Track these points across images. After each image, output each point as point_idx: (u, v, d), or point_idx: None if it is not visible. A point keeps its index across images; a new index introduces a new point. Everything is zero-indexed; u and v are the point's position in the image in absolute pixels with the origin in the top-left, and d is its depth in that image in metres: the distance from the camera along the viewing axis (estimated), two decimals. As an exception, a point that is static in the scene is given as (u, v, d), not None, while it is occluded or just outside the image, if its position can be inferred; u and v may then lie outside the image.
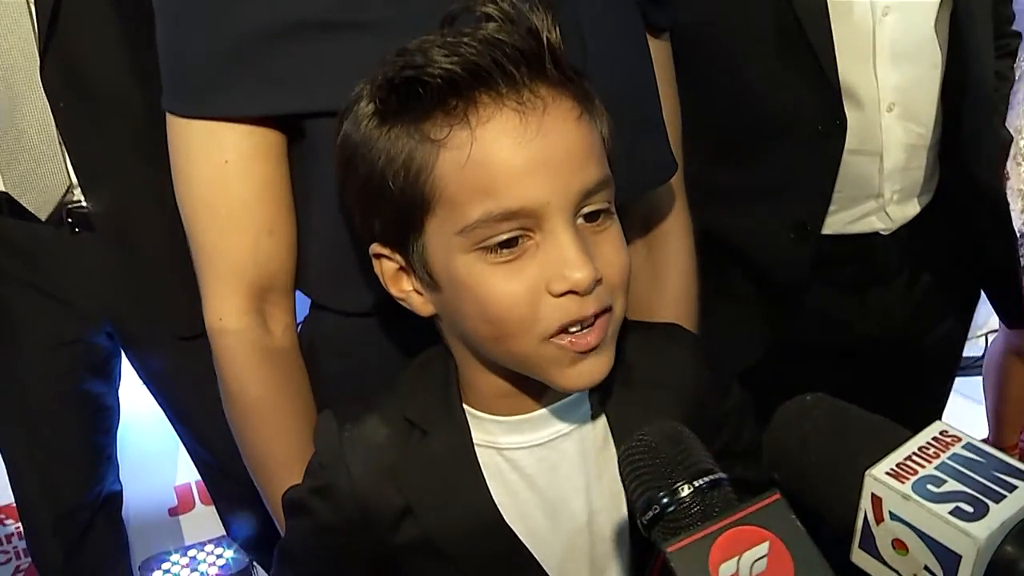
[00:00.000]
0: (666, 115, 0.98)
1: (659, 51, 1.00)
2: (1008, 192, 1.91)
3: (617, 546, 0.78)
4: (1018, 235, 1.92)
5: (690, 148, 1.06)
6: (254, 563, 2.28)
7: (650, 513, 0.56)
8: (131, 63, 1.46)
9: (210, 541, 2.36)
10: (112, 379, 1.77)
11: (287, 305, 0.91)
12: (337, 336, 0.93)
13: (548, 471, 0.76)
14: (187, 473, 2.32)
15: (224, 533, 2.40)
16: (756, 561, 0.50)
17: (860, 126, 1.19)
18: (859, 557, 0.54)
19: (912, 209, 1.28)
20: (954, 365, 1.51)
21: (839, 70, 1.15)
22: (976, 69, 1.21)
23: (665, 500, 0.55)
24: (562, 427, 0.77)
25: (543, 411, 0.76)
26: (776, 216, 1.24)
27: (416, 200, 0.67)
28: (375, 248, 0.73)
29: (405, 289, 0.74)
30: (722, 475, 0.57)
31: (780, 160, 1.22)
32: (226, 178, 0.84)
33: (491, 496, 0.75)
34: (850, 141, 1.19)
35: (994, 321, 2.60)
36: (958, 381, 2.76)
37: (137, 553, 2.19)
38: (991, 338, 2.69)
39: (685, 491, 0.55)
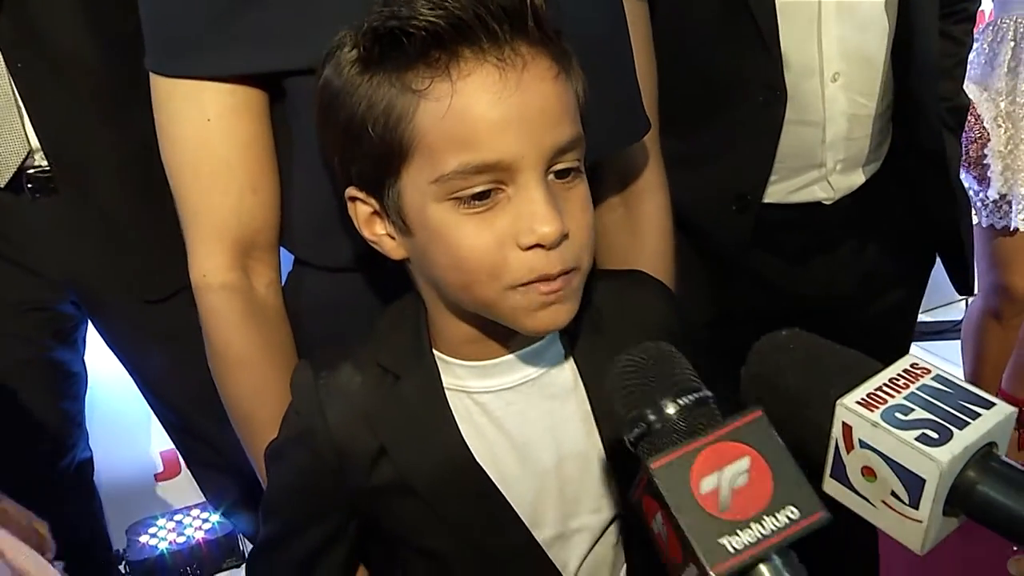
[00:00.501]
0: (642, 76, 0.99)
1: (635, 12, 1.00)
2: (988, 154, 1.93)
3: (586, 488, 0.80)
4: (998, 196, 1.94)
5: None
6: (238, 528, 2.30)
7: (637, 430, 0.57)
8: (87, 18, 1.43)
9: (196, 506, 2.37)
10: (78, 346, 1.76)
11: (271, 262, 0.92)
12: (318, 292, 0.94)
13: (517, 415, 0.79)
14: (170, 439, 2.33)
15: (210, 498, 2.43)
16: (737, 476, 0.52)
17: (802, 96, 1.19)
18: (830, 486, 0.56)
19: (857, 179, 1.28)
20: (907, 333, 1.51)
21: (782, 39, 1.15)
22: (922, 37, 1.21)
23: (652, 417, 0.57)
24: (530, 372, 0.79)
25: (510, 356, 0.78)
26: (717, 185, 1.24)
27: (394, 147, 0.68)
28: (351, 191, 0.74)
29: (378, 232, 0.75)
30: (707, 393, 0.58)
31: (721, 129, 1.23)
32: (209, 136, 0.84)
33: (462, 436, 0.77)
34: (792, 111, 1.19)
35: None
36: (937, 345, 2.80)
37: (124, 518, 2.21)
38: (970, 301, 2.73)
39: (671, 408, 0.57)
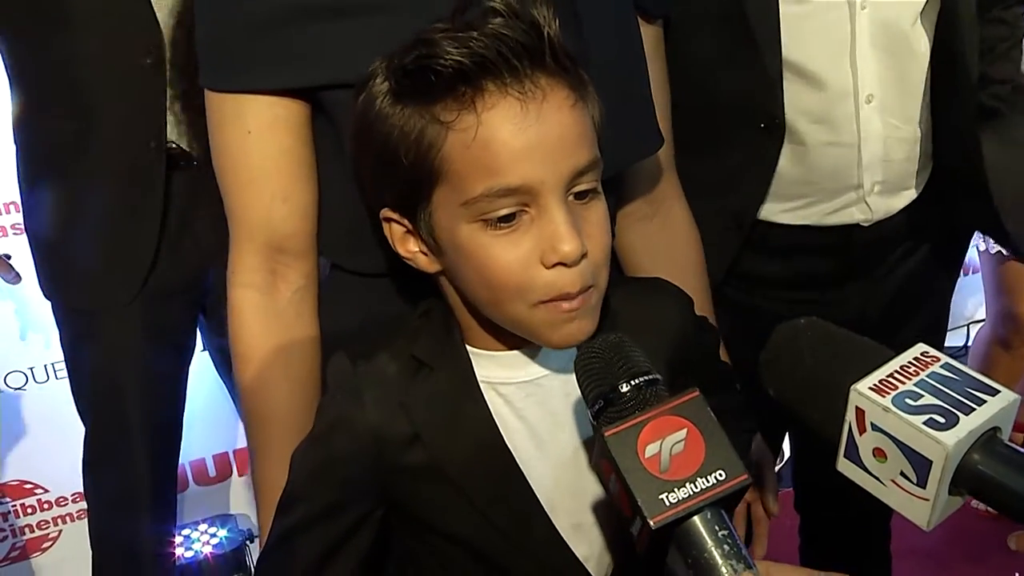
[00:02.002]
0: (656, 94, 1.04)
1: (652, 36, 1.06)
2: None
3: (596, 480, 0.83)
4: None
5: None
6: (247, 542, 2.31)
7: (597, 406, 0.67)
8: None
9: (204, 520, 2.39)
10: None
11: (302, 269, 0.96)
12: (353, 297, 0.98)
13: (537, 407, 0.83)
14: (182, 454, 2.34)
15: (218, 513, 2.44)
16: (675, 444, 0.61)
17: (836, 118, 1.20)
18: (844, 466, 0.60)
19: (897, 202, 1.28)
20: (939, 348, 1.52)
21: (815, 61, 1.17)
22: (960, 68, 1.20)
23: (610, 395, 0.66)
24: (551, 367, 0.83)
25: (533, 351, 0.83)
26: (716, 209, 1.25)
27: (425, 173, 0.73)
28: (385, 213, 0.80)
29: (412, 250, 0.80)
30: (656, 376, 0.67)
31: (726, 155, 1.24)
32: (247, 147, 0.90)
33: (495, 423, 0.80)
34: (826, 132, 1.20)
35: (979, 312, 2.64)
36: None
37: (131, 532, 2.21)
38: (974, 329, 2.74)
39: (625, 388, 0.66)
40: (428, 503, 0.82)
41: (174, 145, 1.56)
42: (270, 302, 0.93)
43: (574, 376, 0.82)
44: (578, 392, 0.82)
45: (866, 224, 1.27)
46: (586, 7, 0.91)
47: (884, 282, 1.34)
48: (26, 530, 2.32)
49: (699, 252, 1.13)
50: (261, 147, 0.89)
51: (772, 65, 1.16)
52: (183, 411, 1.82)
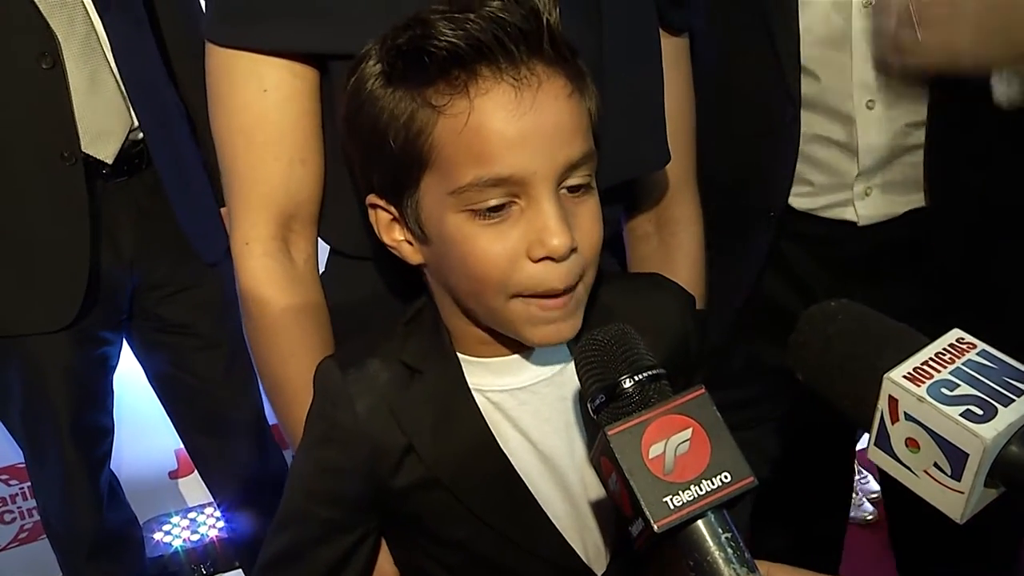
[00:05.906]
0: (679, 113, 1.02)
1: (676, 50, 1.03)
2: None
3: (596, 484, 0.81)
4: None
5: None
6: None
7: (598, 400, 0.64)
8: None
9: (210, 504, 2.38)
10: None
11: (310, 236, 0.94)
12: (352, 280, 0.97)
13: (530, 414, 0.80)
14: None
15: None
16: (680, 444, 0.59)
17: (834, 118, 1.17)
18: (874, 454, 0.58)
19: (894, 208, 1.20)
20: None
21: (815, 61, 1.14)
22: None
23: (613, 390, 0.63)
24: (543, 372, 0.81)
25: (523, 356, 0.80)
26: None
27: (414, 159, 0.71)
28: (371, 199, 0.77)
29: (397, 239, 0.78)
30: (661, 371, 0.64)
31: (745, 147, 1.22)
32: (265, 107, 0.87)
33: (488, 426, 0.78)
34: (824, 131, 1.18)
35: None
36: None
37: (138, 515, 2.22)
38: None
39: (628, 383, 0.63)
40: (425, 511, 0.80)
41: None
42: (288, 272, 0.91)
43: (567, 381, 0.80)
44: (572, 397, 0.80)
45: (860, 224, 1.22)
46: (610, 7, 0.89)
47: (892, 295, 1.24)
48: (34, 512, 2.32)
49: (696, 284, 1.07)
50: (280, 107, 0.87)
51: (789, 66, 1.14)
52: (112, 413, 1.80)
